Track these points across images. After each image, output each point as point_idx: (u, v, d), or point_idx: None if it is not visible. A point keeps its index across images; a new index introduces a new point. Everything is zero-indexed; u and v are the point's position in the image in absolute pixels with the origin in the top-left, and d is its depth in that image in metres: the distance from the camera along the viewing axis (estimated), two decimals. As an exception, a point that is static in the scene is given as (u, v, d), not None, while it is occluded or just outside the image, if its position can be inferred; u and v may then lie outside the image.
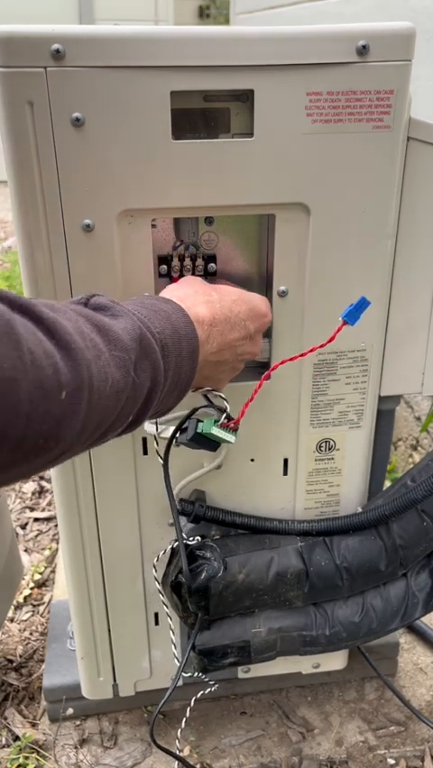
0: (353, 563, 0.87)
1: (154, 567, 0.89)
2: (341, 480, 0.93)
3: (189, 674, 0.94)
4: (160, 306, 0.62)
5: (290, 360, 0.72)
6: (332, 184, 0.74)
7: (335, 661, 1.08)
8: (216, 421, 0.73)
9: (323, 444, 0.90)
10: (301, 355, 0.70)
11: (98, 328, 0.52)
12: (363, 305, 0.67)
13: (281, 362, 0.71)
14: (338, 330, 0.68)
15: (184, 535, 0.86)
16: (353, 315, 0.68)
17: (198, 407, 0.74)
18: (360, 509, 0.92)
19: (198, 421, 0.73)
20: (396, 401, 0.93)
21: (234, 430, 0.74)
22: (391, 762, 1.07)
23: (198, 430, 0.72)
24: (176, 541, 0.90)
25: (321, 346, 0.70)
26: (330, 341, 0.69)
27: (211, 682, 0.96)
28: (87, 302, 0.57)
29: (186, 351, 0.62)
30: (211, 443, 0.74)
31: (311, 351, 0.71)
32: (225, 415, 0.74)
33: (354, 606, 0.92)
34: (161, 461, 0.78)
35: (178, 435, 0.74)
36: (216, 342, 0.66)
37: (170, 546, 0.90)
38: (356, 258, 0.79)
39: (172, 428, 0.76)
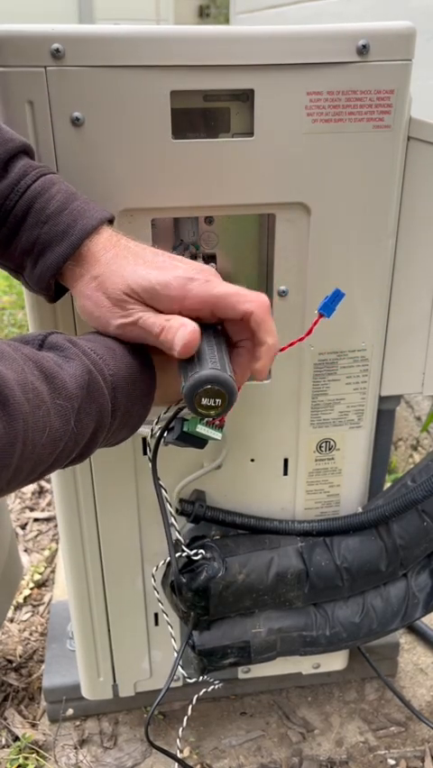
0: (353, 564, 0.87)
1: (153, 577, 0.89)
2: (341, 480, 0.92)
3: (194, 680, 0.93)
4: (120, 346, 0.61)
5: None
6: (332, 184, 0.74)
7: (335, 661, 1.08)
8: (201, 420, 0.72)
9: (323, 444, 0.90)
10: (281, 350, 0.69)
11: (45, 375, 0.52)
12: (337, 296, 0.68)
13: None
14: (315, 323, 0.69)
15: (183, 539, 0.85)
16: (328, 308, 0.68)
17: (182, 407, 0.74)
18: (360, 509, 0.92)
19: (184, 420, 0.73)
20: (396, 401, 0.92)
21: (220, 427, 0.73)
22: (392, 762, 1.07)
23: (184, 429, 0.72)
24: (177, 541, 0.90)
25: (300, 340, 0.70)
26: (308, 334, 0.69)
27: (214, 681, 0.96)
28: (42, 342, 0.57)
29: (139, 391, 0.61)
30: (198, 441, 0.73)
31: (291, 345, 0.70)
32: None
33: (355, 606, 0.91)
34: (150, 462, 0.78)
35: (165, 435, 0.74)
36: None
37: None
38: (356, 258, 0.79)
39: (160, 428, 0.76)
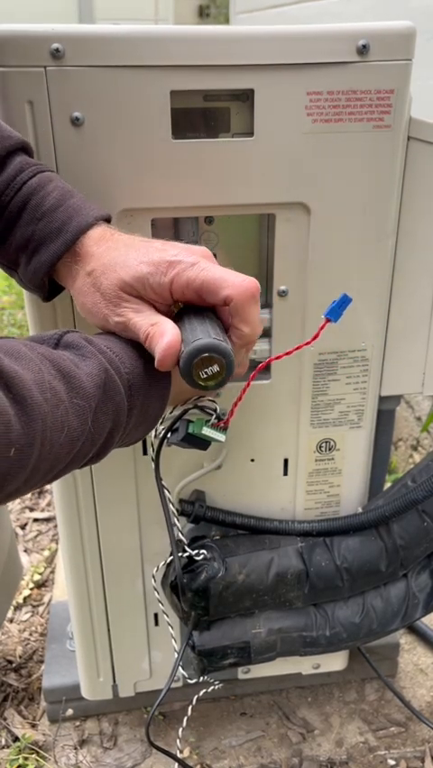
0: (353, 564, 0.87)
1: (153, 577, 0.89)
2: (341, 480, 0.92)
3: (194, 681, 0.93)
4: (135, 344, 0.60)
5: (276, 358, 0.70)
6: (332, 183, 0.74)
7: (335, 661, 1.08)
8: (206, 421, 0.73)
9: (323, 444, 0.89)
10: (287, 353, 0.69)
11: (62, 374, 0.52)
12: (344, 301, 0.67)
13: (267, 361, 0.70)
14: (321, 328, 0.68)
15: (184, 539, 0.85)
16: (335, 313, 0.67)
17: (188, 408, 0.74)
18: (360, 510, 0.92)
19: (189, 422, 0.73)
20: (396, 401, 0.92)
21: (225, 429, 0.73)
22: (392, 762, 1.07)
23: (189, 431, 0.72)
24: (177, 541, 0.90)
25: (306, 344, 0.69)
26: (315, 338, 0.68)
27: (214, 681, 0.96)
28: (58, 341, 0.56)
29: (155, 390, 0.61)
30: (202, 443, 0.74)
31: (297, 348, 0.70)
32: (214, 416, 0.74)
33: (355, 606, 0.91)
34: (153, 462, 0.78)
35: (169, 436, 0.74)
36: None
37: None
38: (356, 257, 0.79)
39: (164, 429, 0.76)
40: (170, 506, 0.81)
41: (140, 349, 0.60)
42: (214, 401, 0.75)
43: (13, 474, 0.47)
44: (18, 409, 0.46)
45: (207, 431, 0.72)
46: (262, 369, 0.69)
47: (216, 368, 0.58)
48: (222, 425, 0.73)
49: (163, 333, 0.57)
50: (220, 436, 0.73)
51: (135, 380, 0.59)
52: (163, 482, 0.79)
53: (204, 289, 0.59)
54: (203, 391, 0.65)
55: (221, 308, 0.62)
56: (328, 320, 0.67)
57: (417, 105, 0.76)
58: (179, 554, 0.85)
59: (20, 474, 0.47)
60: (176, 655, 0.89)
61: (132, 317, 0.59)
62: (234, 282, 0.59)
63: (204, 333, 0.58)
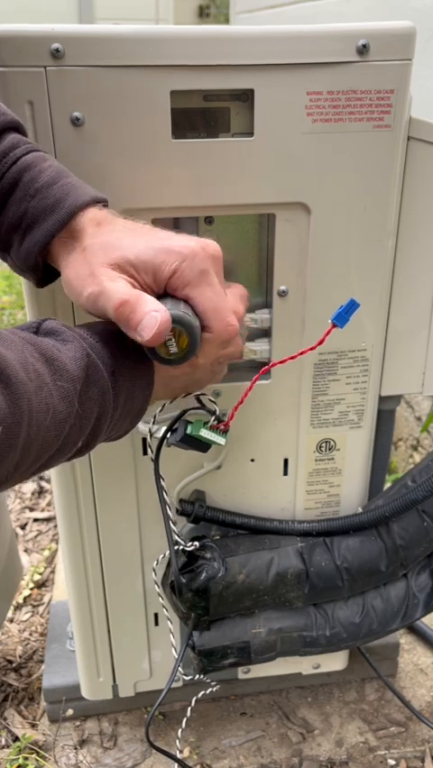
0: (353, 564, 0.87)
1: (154, 571, 0.89)
2: (341, 480, 0.92)
3: (190, 677, 0.93)
4: (116, 330, 0.59)
5: (280, 363, 0.70)
6: (332, 183, 0.74)
7: (335, 661, 1.08)
8: (205, 423, 0.72)
9: (323, 444, 0.89)
10: (291, 358, 0.70)
11: (45, 357, 0.51)
12: (352, 307, 0.66)
13: (271, 365, 0.70)
14: (328, 333, 0.67)
15: (181, 540, 0.85)
16: (342, 318, 0.66)
17: (188, 409, 0.74)
18: (360, 510, 0.92)
19: (188, 422, 0.73)
20: (396, 401, 0.92)
21: (225, 432, 0.73)
22: (392, 762, 1.07)
23: (188, 432, 0.72)
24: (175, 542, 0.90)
25: (311, 349, 0.69)
26: (320, 343, 0.68)
27: (212, 683, 0.96)
28: (38, 328, 0.56)
29: (139, 375, 0.60)
30: (202, 445, 0.74)
31: (301, 353, 0.69)
32: (214, 417, 0.74)
33: (355, 606, 0.91)
34: (153, 461, 0.78)
35: (168, 436, 0.74)
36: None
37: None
38: (356, 257, 0.79)
39: (164, 428, 0.76)
40: (168, 508, 0.80)
41: (120, 337, 0.59)
42: (214, 401, 0.75)
43: (3, 454, 0.46)
44: (3, 387, 0.46)
45: (205, 433, 0.72)
46: (265, 372, 0.69)
47: (182, 341, 0.58)
48: (222, 427, 0.73)
49: (156, 309, 0.56)
50: (220, 439, 0.72)
51: (118, 367, 0.58)
52: (163, 483, 0.79)
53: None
54: (165, 365, 0.61)
55: None
56: (335, 325, 0.66)
57: (417, 105, 0.76)
58: (177, 548, 0.85)
59: (9, 455, 0.47)
60: (175, 656, 0.89)
61: (107, 285, 0.56)
62: (218, 327, 0.61)
63: (174, 307, 0.58)
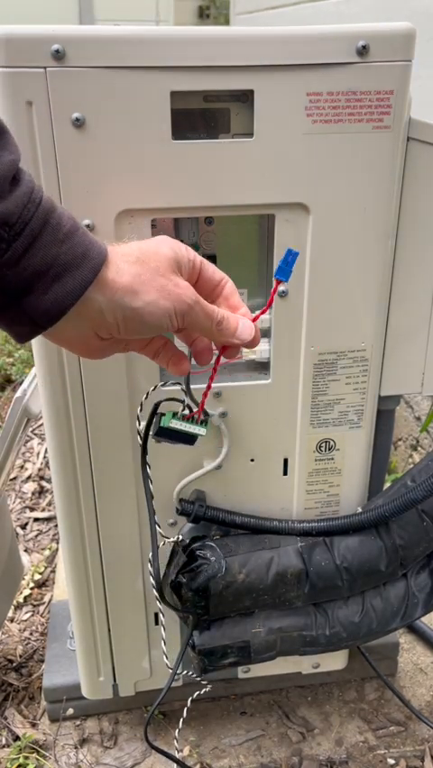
0: (353, 563, 0.87)
1: (150, 561, 0.88)
2: (341, 480, 0.93)
3: (184, 672, 0.94)
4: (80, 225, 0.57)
5: (229, 354, 0.68)
6: (332, 184, 0.74)
7: (335, 661, 1.08)
8: (175, 414, 0.72)
9: (323, 444, 0.90)
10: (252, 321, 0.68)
11: None
12: (289, 256, 0.66)
13: (220, 355, 0.68)
14: (274, 290, 0.69)
15: (167, 536, 0.85)
16: (284, 272, 0.67)
17: (160, 401, 0.74)
18: (360, 509, 0.92)
19: (162, 415, 0.72)
20: (396, 401, 0.93)
21: (203, 422, 0.72)
22: (391, 762, 1.07)
23: (162, 424, 0.71)
24: (177, 541, 0.90)
25: (262, 312, 0.68)
26: (269, 305, 0.69)
27: (204, 682, 0.96)
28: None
29: (68, 245, 0.55)
30: (186, 437, 0.72)
31: (254, 319, 0.67)
32: (183, 406, 0.73)
33: (354, 606, 0.92)
34: (141, 455, 0.78)
35: (151, 432, 0.74)
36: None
37: (167, 545, 0.90)
38: (356, 258, 0.79)
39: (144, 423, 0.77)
40: (153, 502, 0.80)
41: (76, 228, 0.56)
42: (185, 391, 0.74)
43: None
44: None
45: (177, 424, 0.71)
46: (219, 359, 0.68)
47: None
48: (195, 416, 0.72)
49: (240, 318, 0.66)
50: (198, 429, 0.72)
51: (49, 207, 0.54)
52: (153, 481, 0.79)
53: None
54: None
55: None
56: (280, 281, 0.68)
57: (417, 106, 0.76)
58: (164, 543, 0.85)
59: None
60: (176, 654, 0.89)
61: (201, 300, 0.61)
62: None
63: None
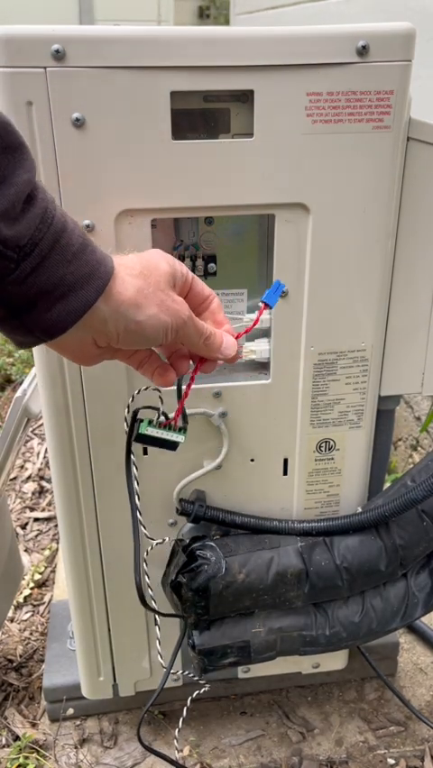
0: (353, 563, 0.87)
1: (144, 561, 0.89)
2: (341, 480, 0.93)
3: (181, 671, 0.94)
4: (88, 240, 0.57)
5: (204, 363, 0.70)
6: (332, 184, 0.74)
7: (335, 661, 1.08)
8: (150, 421, 0.72)
9: (323, 444, 0.90)
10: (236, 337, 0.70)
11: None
12: (279, 287, 0.71)
13: (197, 367, 0.70)
14: (260, 312, 0.71)
15: (148, 533, 0.85)
16: (271, 298, 0.70)
17: (138, 408, 0.75)
18: (360, 509, 0.92)
19: (141, 421, 0.73)
20: (396, 401, 0.93)
21: (181, 429, 0.73)
22: (391, 762, 1.07)
23: (140, 431, 0.72)
24: (176, 541, 0.90)
25: (246, 332, 0.71)
26: (255, 324, 0.71)
27: (202, 682, 0.96)
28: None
29: (76, 265, 0.56)
30: (167, 444, 0.73)
31: (239, 336, 0.71)
32: (159, 413, 0.74)
33: (354, 606, 0.92)
34: (125, 459, 0.78)
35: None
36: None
37: (166, 544, 0.90)
38: (356, 258, 0.79)
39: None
40: (138, 499, 0.80)
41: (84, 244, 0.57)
42: (160, 398, 0.74)
43: None
44: None
45: (153, 431, 0.72)
46: (197, 370, 0.69)
47: None
48: (172, 423, 0.72)
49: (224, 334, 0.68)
50: (175, 437, 0.72)
51: (63, 224, 0.55)
52: (135, 472, 0.79)
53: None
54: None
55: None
56: (267, 305, 0.70)
57: (417, 106, 0.77)
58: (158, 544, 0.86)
59: None
60: (159, 651, 0.89)
61: (192, 316, 0.64)
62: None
63: None
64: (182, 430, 0.73)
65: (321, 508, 0.94)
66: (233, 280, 0.83)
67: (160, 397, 0.74)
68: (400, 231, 0.81)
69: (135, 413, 0.75)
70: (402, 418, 1.88)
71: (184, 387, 0.72)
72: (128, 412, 0.78)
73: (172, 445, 0.73)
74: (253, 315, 0.82)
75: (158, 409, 0.74)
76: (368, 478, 0.95)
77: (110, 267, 0.58)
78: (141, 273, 0.60)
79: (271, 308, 0.71)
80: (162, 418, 0.73)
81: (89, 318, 0.57)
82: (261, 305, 0.70)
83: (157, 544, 0.85)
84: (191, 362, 0.70)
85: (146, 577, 0.95)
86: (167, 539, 0.87)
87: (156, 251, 0.65)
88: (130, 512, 0.89)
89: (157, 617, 0.89)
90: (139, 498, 0.80)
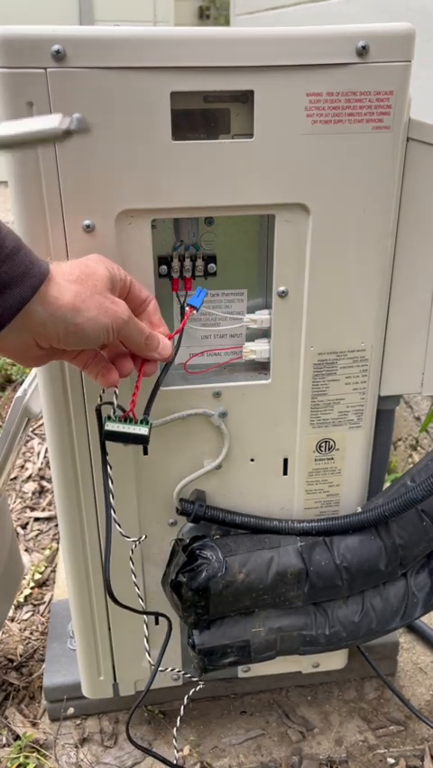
0: (352, 563, 0.88)
1: (137, 541, 0.88)
2: (341, 479, 0.93)
3: (175, 670, 0.94)
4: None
5: (146, 368, 0.74)
6: (332, 184, 0.75)
7: (334, 660, 1.08)
8: (108, 417, 0.74)
9: (323, 444, 0.90)
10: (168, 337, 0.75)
11: None
12: (202, 293, 0.77)
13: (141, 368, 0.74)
14: (187, 316, 0.77)
15: (123, 531, 0.85)
16: (196, 301, 0.77)
17: (99, 404, 0.76)
18: (360, 509, 0.92)
19: (107, 418, 0.74)
20: (396, 401, 0.93)
21: (144, 421, 0.74)
22: (391, 761, 1.07)
23: (105, 428, 0.74)
24: (176, 540, 0.90)
25: (176, 332, 0.77)
26: (182, 327, 0.77)
27: (197, 680, 0.96)
28: None
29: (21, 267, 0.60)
30: (136, 438, 0.74)
31: (173, 335, 0.77)
32: (114, 407, 0.74)
33: (354, 605, 0.92)
34: (101, 457, 0.79)
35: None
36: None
37: (169, 545, 0.90)
38: (356, 258, 0.79)
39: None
40: (112, 497, 0.80)
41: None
42: (114, 392, 0.75)
43: None
44: None
45: (113, 426, 0.74)
46: (142, 370, 0.74)
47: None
48: (130, 416, 0.74)
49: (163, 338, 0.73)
50: (138, 429, 0.74)
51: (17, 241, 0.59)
52: (110, 470, 0.79)
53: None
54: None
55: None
56: (193, 307, 0.77)
57: (416, 106, 0.77)
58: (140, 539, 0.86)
59: None
60: (177, 654, 0.89)
61: (132, 317, 0.68)
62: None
63: None
64: (144, 422, 0.74)
65: (321, 508, 0.94)
66: (233, 280, 0.83)
67: (115, 392, 0.74)
68: (400, 231, 0.81)
69: (98, 411, 0.76)
70: (402, 418, 1.88)
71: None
72: (97, 407, 0.78)
73: (141, 439, 0.74)
74: (253, 315, 0.83)
75: (111, 404, 0.75)
76: (368, 478, 0.96)
77: (44, 269, 0.61)
78: (78, 278, 0.64)
79: (197, 311, 0.77)
80: (120, 412, 0.75)
81: (28, 321, 0.61)
82: (187, 308, 0.77)
83: (133, 542, 0.85)
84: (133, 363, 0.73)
85: (142, 576, 0.95)
86: (144, 537, 0.88)
87: (96, 255, 0.69)
88: (131, 511, 0.90)
89: (145, 618, 0.89)
90: (114, 496, 0.80)
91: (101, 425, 0.75)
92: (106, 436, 0.74)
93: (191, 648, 0.90)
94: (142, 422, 0.75)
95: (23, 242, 0.61)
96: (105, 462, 0.78)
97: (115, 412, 0.74)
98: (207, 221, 0.79)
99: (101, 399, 0.76)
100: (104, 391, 0.76)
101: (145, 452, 0.86)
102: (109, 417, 0.74)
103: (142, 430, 0.74)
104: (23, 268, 0.59)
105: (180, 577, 0.86)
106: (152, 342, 0.72)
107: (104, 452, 0.78)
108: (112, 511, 0.79)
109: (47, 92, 0.66)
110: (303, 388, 0.85)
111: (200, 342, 0.85)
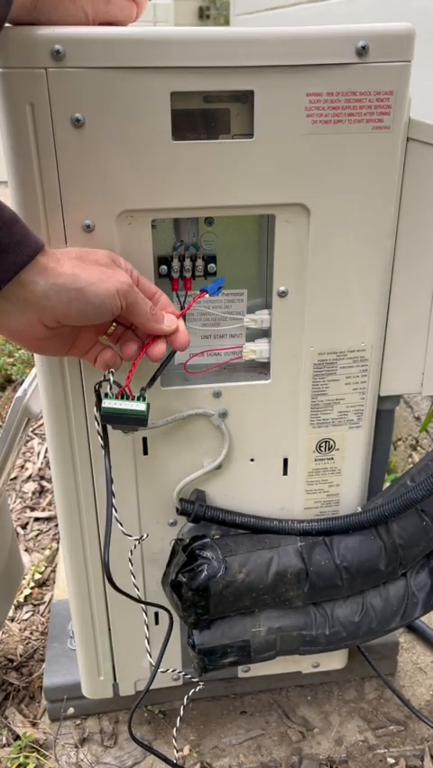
0: (352, 563, 0.88)
1: (138, 540, 0.88)
2: (341, 479, 0.93)
3: (173, 670, 0.93)
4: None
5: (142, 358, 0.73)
6: (332, 184, 0.75)
7: (334, 660, 1.08)
8: (105, 395, 0.73)
9: (323, 444, 0.90)
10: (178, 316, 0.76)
11: None
12: (219, 282, 0.79)
13: (143, 350, 0.73)
14: (195, 299, 0.79)
15: (124, 529, 0.85)
16: (212, 289, 0.79)
17: (99, 382, 0.76)
18: (360, 509, 0.92)
19: (106, 396, 0.74)
20: (396, 401, 0.93)
21: (141, 397, 0.74)
22: (391, 761, 1.07)
23: (102, 406, 0.73)
24: (176, 540, 0.90)
25: (184, 312, 0.78)
26: (189, 307, 0.78)
27: (196, 680, 0.96)
28: None
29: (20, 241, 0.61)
30: (133, 419, 0.73)
31: (181, 315, 0.76)
32: (110, 384, 0.74)
33: (354, 605, 0.92)
34: (101, 443, 0.78)
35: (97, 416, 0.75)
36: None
37: (170, 545, 0.90)
38: (356, 258, 0.79)
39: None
40: (113, 496, 0.80)
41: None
42: (111, 371, 0.74)
43: None
44: None
45: (111, 403, 0.73)
46: (145, 349, 0.73)
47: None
48: (126, 392, 0.73)
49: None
50: (137, 405, 0.73)
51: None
52: (110, 466, 0.79)
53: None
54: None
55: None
56: (205, 292, 0.79)
57: (416, 106, 0.77)
58: (143, 538, 0.86)
59: None
60: (176, 653, 0.89)
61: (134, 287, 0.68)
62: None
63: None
64: (141, 399, 0.74)
65: (321, 508, 0.94)
66: (233, 280, 0.83)
67: (111, 372, 0.74)
68: (400, 231, 0.81)
69: (97, 392, 0.76)
70: (402, 418, 1.88)
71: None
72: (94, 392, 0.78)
73: (140, 419, 0.73)
74: (253, 315, 0.83)
75: (108, 380, 0.74)
76: (368, 478, 0.96)
77: (40, 242, 0.62)
78: (78, 255, 0.66)
79: (209, 294, 0.79)
80: (116, 388, 0.74)
81: (30, 294, 0.61)
82: (198, 292, 0.78)
83: (135, 540, 0.84)
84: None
85: (142, 576, 0.95)
86: (146, 536, 0.88)
87: (100, 249, 0.70)
88: (131, 511, 0.90)
89: (145, 616, 0.89)
90: (113, 481, 0.79)
91: (100, 406, 0.74)
92: (105, 418, 0.73)
93: (191, 648, 0.90)
94: (138, 398, 0.74)
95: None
96: (106, 446, 0.77)
97: (111, 388, 0.73)
98: (206, 221, 0.79)
99: (100, 385, 0.76)
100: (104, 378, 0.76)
101: (145, 452, 0.86)
102: (106, 395, 0.73)
103: (140, 406, 0.73)
104: (20, 237, 0.60)
105: (180, 577, 0.86)
106: (159, 313, 0.72)
107: (105, 436, 0.76)
108: (112, 496, 0.78)
109: (47, 92, 0.66)
110: (303, 388, 0.85)
111: (200, 343, 0.85)
